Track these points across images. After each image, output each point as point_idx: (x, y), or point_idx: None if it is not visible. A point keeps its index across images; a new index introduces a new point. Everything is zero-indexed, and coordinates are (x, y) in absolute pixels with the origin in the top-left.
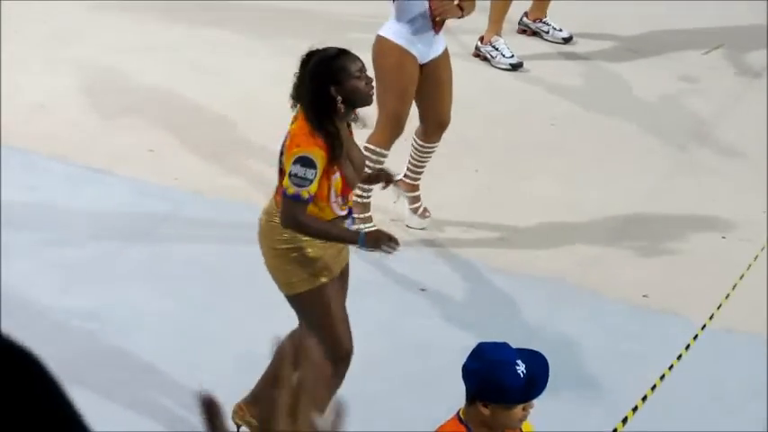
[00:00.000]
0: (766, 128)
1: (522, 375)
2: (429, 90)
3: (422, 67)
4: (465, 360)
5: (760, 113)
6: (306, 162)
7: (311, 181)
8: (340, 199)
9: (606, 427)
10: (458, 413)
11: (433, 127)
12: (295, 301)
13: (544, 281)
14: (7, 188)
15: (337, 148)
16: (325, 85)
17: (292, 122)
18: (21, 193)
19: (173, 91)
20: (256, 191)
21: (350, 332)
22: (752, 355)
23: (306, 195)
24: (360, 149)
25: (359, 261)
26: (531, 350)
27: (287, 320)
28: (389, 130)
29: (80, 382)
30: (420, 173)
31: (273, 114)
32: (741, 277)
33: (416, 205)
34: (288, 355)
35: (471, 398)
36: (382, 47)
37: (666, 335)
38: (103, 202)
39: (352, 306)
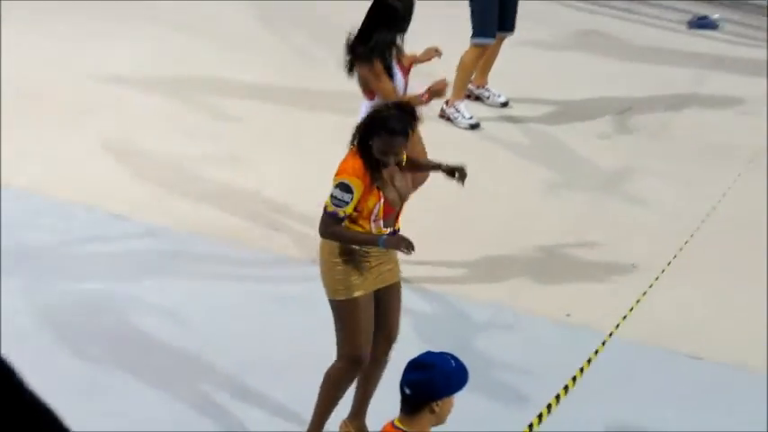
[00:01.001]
0: (664, 178)
1: (456, 365)
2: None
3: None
4: (405, 377)
5: (659, 164)
6: (344, 188)
7: (347, 203)
8: (381, 222)
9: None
10: (392, 422)
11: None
12: (332, 304)
13: (484, 305)
14: (40, 232)
15: (376, 179)
16: (366, 137)
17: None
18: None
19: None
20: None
21: (369, 343)
22: (653, 364)
23: (341, 214)
24: (407, 178)
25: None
26: (440, 352)
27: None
28: None
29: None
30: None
31: (260, 169)
32: (644, 293)
33: None
34: None
35: (419, 405)
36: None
37: (586, 348)
38: (120, 242)
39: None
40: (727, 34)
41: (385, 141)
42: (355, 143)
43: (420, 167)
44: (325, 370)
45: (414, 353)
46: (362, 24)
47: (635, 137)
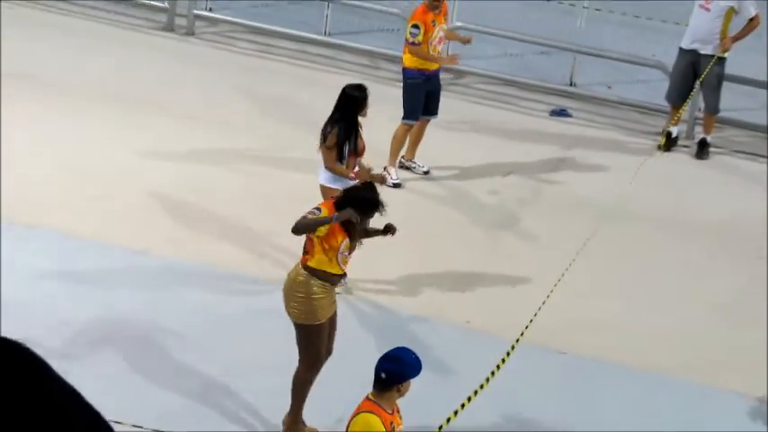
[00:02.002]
0: (541, 220)
1: (414, 358)
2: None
3: None
4: (381, 365)
5: (537, 210)
6: (317, 208)
7: (316, 215)
8: (346, 254)
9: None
10: (367, 397)
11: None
12: (297, 327)
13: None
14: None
15: (352, 233)
16: (365, 209)
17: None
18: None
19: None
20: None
21: (325, 354)
22: (547, 365)
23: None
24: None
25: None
26: (404, 347)
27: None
28: None
29: None
30: None
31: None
32: (543, 302)
33: None
34: None
35: (389, 384)
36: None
37: (482, 351)
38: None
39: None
40: (580, 120)
41: (366, 215)
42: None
43: (369, 234)
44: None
45: (357, 347)
46: (333, 111)
47: (517, 190)
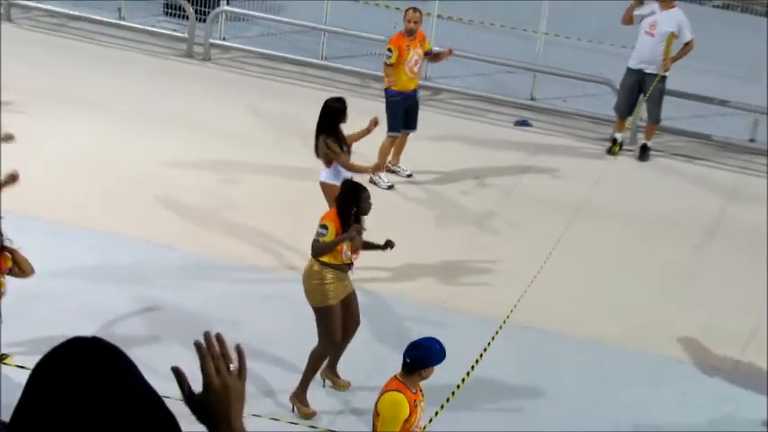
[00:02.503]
0: (511, 218)
1: (439, 348)
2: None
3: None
4: (408, 352)
5: (507, 210)
6: (323, 227)
7: (325, 235)
8: (349, 253)
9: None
10: (395, 377)
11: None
12: (315, 310)
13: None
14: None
15: (346, 227)
16: (348, 203)
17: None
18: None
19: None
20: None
21: (340, 333)
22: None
23: (322, 239)
24: (361, 241)
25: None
26: (430, 337)
27: None
28: None
29: None
30: None
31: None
32: (528, 286)
33: None
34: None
35: (414, 369)
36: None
37: (458, 327)
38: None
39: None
40: (540, 129)
41: (364, 204)
42: (341, 206)
43: (369, 247)
44: (308, 345)
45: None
46: (318, 120)
47: (488, 191)
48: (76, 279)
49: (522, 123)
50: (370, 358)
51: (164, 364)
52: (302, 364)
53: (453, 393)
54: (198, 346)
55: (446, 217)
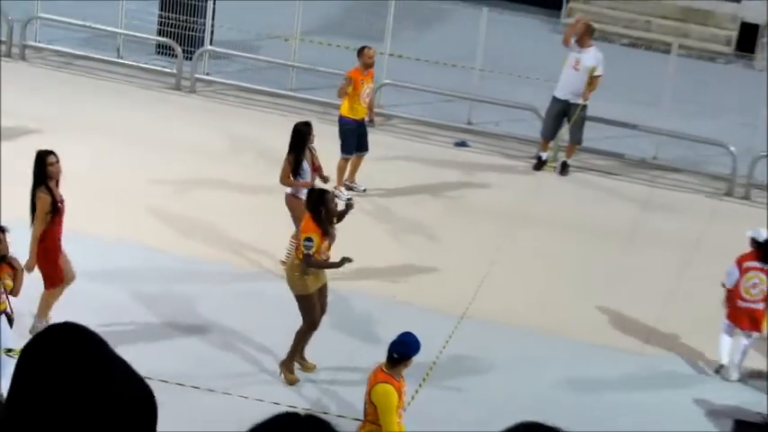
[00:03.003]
0: (462, 226)
1: (416, 341)
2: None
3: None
4: (393, 348)
5: (456, 221)
6: (309, 239)
7: (311, 247)
8: (327, 253)
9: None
10: (381, 369)
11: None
12: (297, 297)
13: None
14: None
15: (324, 230)
16: (317, 207)
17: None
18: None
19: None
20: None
21: (319, 316)
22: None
23: (312, 252)
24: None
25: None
26: (408, 332)
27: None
28: None
29: None
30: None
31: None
32: (482, 282)
33: None
34: None
35: (397, 361)
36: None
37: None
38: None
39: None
40: (476, 149)
41: (330, 204)
42: (312, 211)
43: (340, 217)
44: (293, 330)
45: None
46: (290, 141)
47: (433, 203)
48: (80, 278)
49: (461, 144)
50: (336, 343)
51: (158, 349)
52: (278, 349)
53: (428, 374)
54: None
55: (396, 227)
